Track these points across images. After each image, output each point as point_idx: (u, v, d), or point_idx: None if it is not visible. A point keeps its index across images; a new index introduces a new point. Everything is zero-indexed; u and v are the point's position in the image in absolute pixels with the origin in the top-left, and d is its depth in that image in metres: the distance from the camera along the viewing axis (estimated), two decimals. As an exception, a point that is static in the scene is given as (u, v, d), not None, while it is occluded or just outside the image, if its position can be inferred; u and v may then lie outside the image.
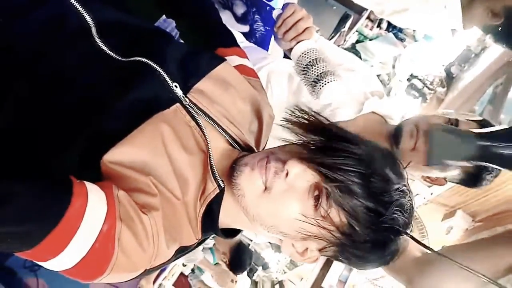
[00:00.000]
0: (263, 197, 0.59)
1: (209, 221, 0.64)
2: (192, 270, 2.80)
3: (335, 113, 1.07)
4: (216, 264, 2.59)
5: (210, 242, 2.55)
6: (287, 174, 0.58)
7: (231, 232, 0.70)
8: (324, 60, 0.83)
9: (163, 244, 0.55)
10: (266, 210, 0.60)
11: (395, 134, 1.03)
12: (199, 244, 0.67)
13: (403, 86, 3.11)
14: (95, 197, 0.49)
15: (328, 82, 0.80)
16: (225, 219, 0.66)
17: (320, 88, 0.80)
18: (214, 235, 0.69)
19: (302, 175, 0.58)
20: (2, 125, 0.57)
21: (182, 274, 2.69)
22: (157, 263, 0.56)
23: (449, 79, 3.23)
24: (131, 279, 0.55)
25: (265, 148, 0.82)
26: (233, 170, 0.62)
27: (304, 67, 0.83)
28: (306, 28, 0.86)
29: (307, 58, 0.83)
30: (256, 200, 0.60)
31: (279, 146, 0.64)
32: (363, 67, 1.26)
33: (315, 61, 0.82)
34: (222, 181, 0.63)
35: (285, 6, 0.89)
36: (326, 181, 0.56)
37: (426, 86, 3.16)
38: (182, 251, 0.62)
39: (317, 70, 0.81)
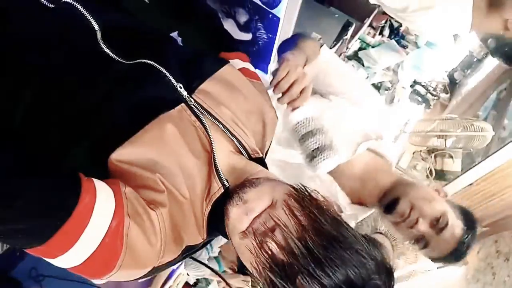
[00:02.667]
0: (237, 236, 0.58)
1: (215, 221, 0.64)
2: (197, 280, 2.78)
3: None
4: (223, 272, 2.58)
5: (215, 251, 2.56)
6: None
7: None
8: (322, 132, 0.79)
9: (170, 240, 0.56)
10: (234, 242, 0.60)
11: (389, 205, 1.01)
12: (204, 245, 0.67)
13: (406, 93, 3.11)
14: (103, 194, 0.50)
15: (325, 159, 0.78)
16: None
17: (317, 164, 0.79)
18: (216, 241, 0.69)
19: (274, 251, 0.53)
20: (13, 124, 0.58)
21: (187, 283, 2.68)
22: (165, 261, 0.57)
23: (453, 85, 3.23)
24: (138, 278, 0.55)
25: (269, 150, 0.83)
26: (234, 194, 0.61)
27: (301, 137, 0.80)
28: (302, 90, 0.79)
29: (304, 128, 0.79)
30: (232, 231, 0.60)
31: (286, 194, 0.60)
32: (370, 98, 1.17)
33: (312, 133, 0.79)
34: (227, 180, 0.63)
35: (280, 58, 0.83)
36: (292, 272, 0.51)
37: (430, 92, 3.16)
38: (188, 250, 0.63)
39: (315, 143, 0.78)
